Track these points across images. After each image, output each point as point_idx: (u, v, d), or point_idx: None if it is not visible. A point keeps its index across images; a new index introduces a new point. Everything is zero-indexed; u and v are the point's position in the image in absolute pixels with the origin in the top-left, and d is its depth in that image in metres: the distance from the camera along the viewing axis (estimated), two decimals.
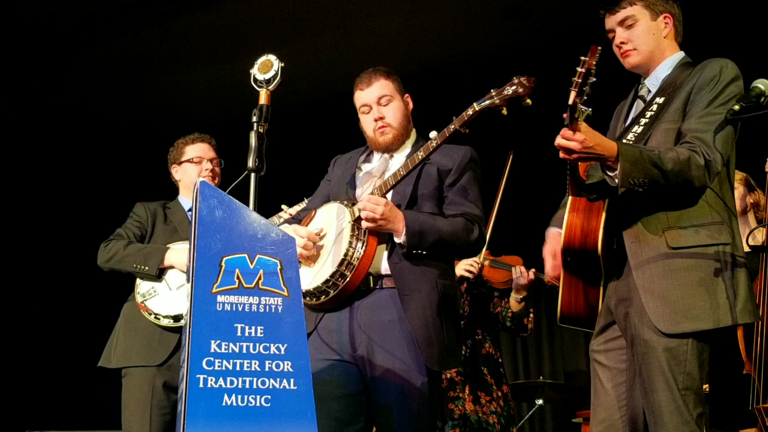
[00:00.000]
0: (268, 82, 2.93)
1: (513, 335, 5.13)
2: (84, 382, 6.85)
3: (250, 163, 2.78)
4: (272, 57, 2.95)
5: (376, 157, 3.50)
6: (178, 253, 4.10)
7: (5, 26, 5.96)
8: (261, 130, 2.84)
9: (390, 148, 3.44)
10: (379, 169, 3.39)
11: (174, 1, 5.88)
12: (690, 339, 2.72)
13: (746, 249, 3.98)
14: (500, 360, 5.01)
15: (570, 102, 2.60)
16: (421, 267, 3.22)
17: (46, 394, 7.42)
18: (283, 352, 2.43)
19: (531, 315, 5.08)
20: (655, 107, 2.95)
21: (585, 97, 2.61)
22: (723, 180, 2.88)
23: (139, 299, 4.10)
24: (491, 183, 4.96)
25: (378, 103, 3.40)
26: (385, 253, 3.24)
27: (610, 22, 3.06)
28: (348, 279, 3.13)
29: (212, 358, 2.37)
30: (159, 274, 4.11)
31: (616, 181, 2.71)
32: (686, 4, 3.12)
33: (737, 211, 4.45)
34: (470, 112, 3.03)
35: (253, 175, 2.78)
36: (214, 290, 2.42)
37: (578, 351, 6.68)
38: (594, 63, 2.59)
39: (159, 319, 4.04)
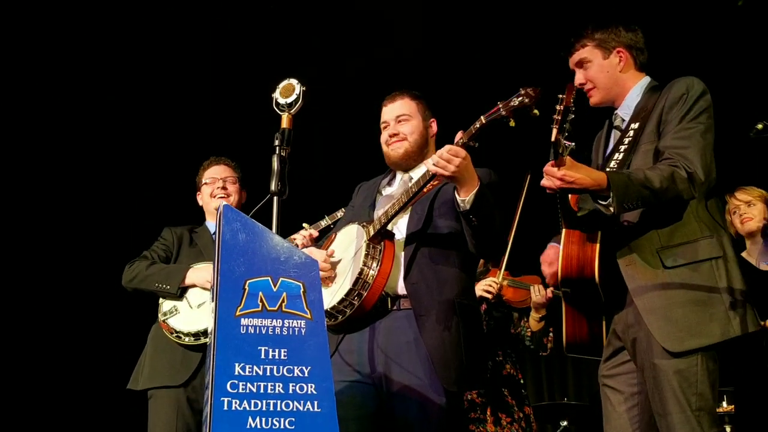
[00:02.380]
0: (290, 106, 2.95)
1: (533, 354, 5.11)
2: (114, 405, 6.87)
3: (273, 187, 2.80)
4: (294, 81, 2.97)
5: (397, 179, 3.52)
6: (198, 272, 4.14)
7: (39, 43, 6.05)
8: (283, 154, 2.85)
9: (402, 165, 3.45)
10: (398, 191, 3.40)
11: None
12: (699, 358, 2.73)
13: None
14: (522, 381, 4.99)
15: (552, 139, 2.66)
16: (439, 287, 3.22)
17: (75, 417, 7.44)
18: (306, 375, 2.43)
19: (551, 334, 5.06)
20: (631, 133, 3.01)
21: (566, 134, 2.67)
22: (708, 191, 2.90)
23: (161, 318, 4.14)
24: (509, 203, 4.96)
25: (396, 120, 3.44)
26: (402, 274, 3.24)
27: (570, 64, 3.18)
28: (364, 297, 3.14)
29: (236, 381, 2.38)
30: (181, 293, 4.14)
31: (611, 209, 2.75)
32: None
33: (756, 228, 4.48)
34: (477, 125, 3.02)
35: (275, 198, 2.79)
36: (237, 313, 2.43)
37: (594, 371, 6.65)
38: (571, 100, 2.66)
39: (180, 337, 4.07)
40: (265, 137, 3.07)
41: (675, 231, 2.84)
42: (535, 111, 2.92)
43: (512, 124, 2.97)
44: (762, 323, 4.09)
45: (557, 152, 2.68)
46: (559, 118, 2.66)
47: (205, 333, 4.02)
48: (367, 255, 3.17)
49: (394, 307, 3.23)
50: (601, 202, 2.80)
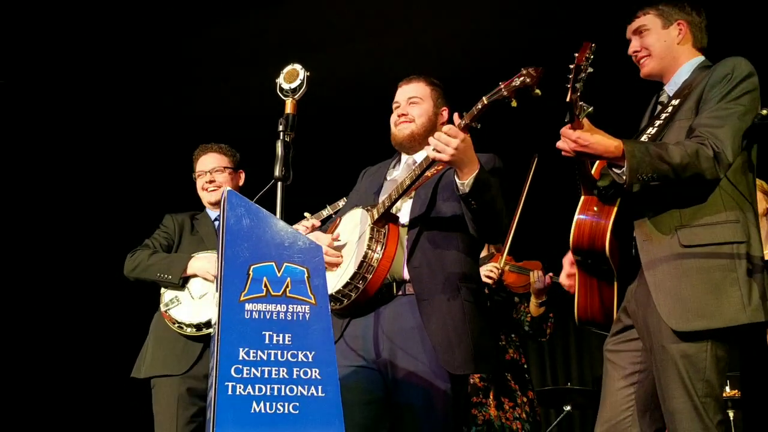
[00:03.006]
0: (293, 91, 2.94)
1: (532, 340, 5.12)
2: (118, 393, 6.90)
3: (277, 172, 2.80)
4: (298, 66, 2.97)
5: (402, 162, 3.52)
6: (200, 261, 4.14)
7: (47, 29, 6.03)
8: (287, 139, 2.85)
9: (406, 147, 3.45)
10: (402, 175, 3.40)
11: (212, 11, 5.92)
12: (708, 344, 2.70)
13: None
14: (525, 366, 5.00)
15: (567, 99, 2.64)
16: (442, 271, 3.22)
17: (80, 405, 7.48)
18: (311, 360, 2.44)
19: (551, 320, 5.06)
20: (670, 108, 2.96)
21: (579, 94, 2.63)
22: (742, 170, 2.85)
23: (162, 308, 4.14)
24: (515, 186, 4.95)
25: (407, 101, 3.45)
26: (406, 258, 3.24)
27: (628, 32, 3.12)
28: (368, 281, 3.14)
29: (241, 366, 2.38)
30: (183, 283, 4.15)
31: (624, 177, 2.71)
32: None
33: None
34: (479, 106, 2.99)
35: (279, 184, 2.79)
36: (242, 298, 2.44)
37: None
38: (584, 58, 2.62)
39: (182, 328, 4.08)
40: (269, 122, 3.07)
41: (698, 211, 2.77)
42: (537, 91, 2.89)
43: (514, 104, 2.93)
44: None
45: (573, 114, 2.65)
46: (572, 77, 2.62)
47: (207, 324, 4.03)
48: (371, 239, 3.17)
49: (399, 293, 3.24)
50: (615, 170, 2.76)
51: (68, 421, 7.16)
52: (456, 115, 3.05)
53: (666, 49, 3.04)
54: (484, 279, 4.80)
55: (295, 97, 2.93)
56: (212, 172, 4.40)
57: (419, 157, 3.42)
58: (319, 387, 2.42)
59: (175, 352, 4.09)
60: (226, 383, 2.35)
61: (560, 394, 6.11)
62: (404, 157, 3.52)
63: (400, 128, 3.44)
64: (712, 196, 2.78)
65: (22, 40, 6.04)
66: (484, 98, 2.99)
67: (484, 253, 5.10)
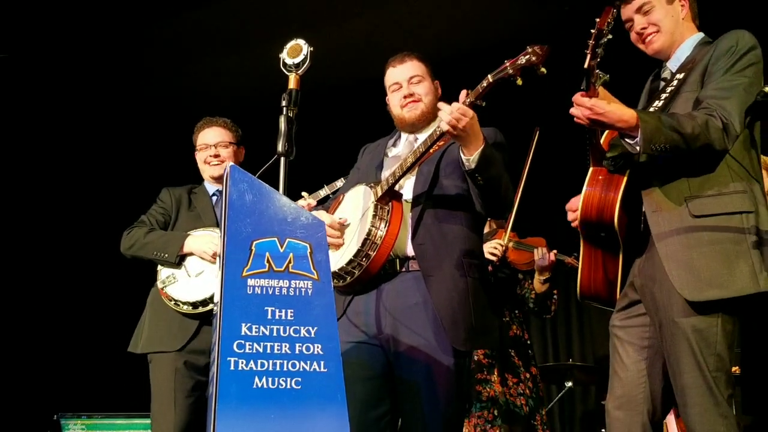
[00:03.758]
0: (297, 66, 2.93)
1: (537, 316, 5.13)
2: (115, 367, 6.93)
3: (280, 148, 2.79)
4: (301, 41, 2.95)
5: (402, 139, 3.50)
6: (197, 240, 4.13)
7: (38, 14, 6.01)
8: (290, 115, 2.84)
9: (416, 126, 3.43)
10: (404, 153, 3.38)
11: None
12: (719, 318, 2.70)
13: None
14: (529, 342, 5.01)
15: (585, 66, 2.62)
16: (446, 247, 3.22)
17: (77, 378, 7.51)
18: (313, 335, 2.45)
19: (555, 297, 5.06)
20: (675, 82, 2.95)
21: (599, 59, 2.61)
22: (745, 146, 2.85)
23: (159, 285, 4.15)
24: (517, 160, 4.93)
25: (409, 81, 3.41)
26: (409, 235, 3.24)
27: (627, 11, 3.07)
28: (372, 258, 3.14)
29: (243, 341, 2.39)
30: (179, 261, 4.15)
31: (638, 148, 2.69)
32: None
33: None
34: (485, 84, 2.98)
35: (282, 159, 2.79)
36: (244, 274, 2.44)
37: (608, 333, 6.66)
38: (606, 23, 2.60)
39: (178, 305, 4.08)
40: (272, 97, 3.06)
41: (707, 181, 2.77)
42: (543, 69, 2.87)
43: (519, 82, 2.93)
44: None
45: (589, 81, 2.63)
46: (593, 42, 2.60)
47: (203, 302, 4.04)
48: (375, 216, 3.16)
49: (403, 269, 3.24)
50: (628, 141, 2.75)
51: (66, 394, 7.18)
52: (463, 93, 3.04)
53: (673, 24, 3.02)
54: (488, 256, 4.80)
55: (299, 72, 2.92)
56: (217, 146, 4.37)
57: (422, 135, 3.40)
58: (322, 362, 2.43)
59: (172, 329, 4.10)
60: (229, 358, 2.36)
61: (562, 371, 6.13)
62: (404, 135, 3.50)
63: (409, 109, 3.40)
64: (719, 167, 2.78)
65: (16, 15, 6.01)
66: (489, 76, 2.98)
67: (486, 230, 5.09)
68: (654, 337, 2.88)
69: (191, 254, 4.13)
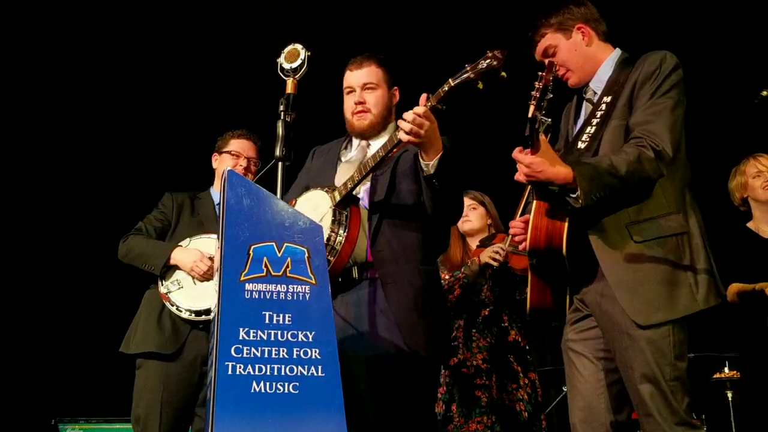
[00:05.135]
0: (294, 71, 2.93)
1: (538, 322, 5.13)
2: (113, 372, 6.93)
3: (278, 152, 2.80)
4: (299, 46, 2.96)
5: (354, 144, 3.49)
6: (185, 252, 4.13)
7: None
8: (288, 119, 2.84)
9: (365, 135, 3.42)
10: (357, 158, 3.37)
11: None
12: (670, 329, 2.75)
13: None
14: (527, 347, 5.00)
15: (530, 115, 2.65)
16: (403, 254, 3.22)
17: (74, 383, 7.49)
18: (311, 340, 2.45)
19: None
20: (604, 106, 2.99)
21: (543, 111, 2.65)
22: (677, 166, 2.90)
23: (163, 290, 4.14)
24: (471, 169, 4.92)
25: (362, 88, 3.40)
26: (368, 242, 3.23)
27: (536, 56, 3.14)
28: (332, 264, 3.09)
29: (241, 346, 2.39)
30: (166, 271, 4.16)
31: (579, 201, 2.73)
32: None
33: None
34: (446, 88, 2.98)
35: (280, 164, 2.79)
36: (242, 278, 2.45)
37: None
38: (551, 78, 2.66)
39: (180, 311, 4.08)
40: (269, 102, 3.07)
41: (643, 206, 2.85)
42: (503, 74, 2.91)
43: (480, 86, 2.95)
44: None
45: (533, 128, 2.67)
46: (538, 95, 2.65)
47: (207, 311, 4.04)
48: (333, 221, 3.14)
49: (363, 277, 3.24)
50: (571, 195, 2.78)
51: (64, 399, 7.17)
52: (423, 96, 3.03)
53: (581, 57, 3.08)
54: (489, 261, 4.79)
55: (296, 76, 2.93)
56: (250, 161, 4.43)
57: (374, 142, 3.40)
58: (319, 367, 2.43)
59: (165, 332, 4.10)
60: (226, 363, 2.36)
61: (560, 375, 6.12)
62: (356, 140, 3.49)
63: (358, 119, 3.39)
64: (654, 191, 2.85)
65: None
66: (450, 80, 2.99)
67: (486, 234, 5.09)
68: (608, 349, 2.92)
69: (177, 267, 4.15)
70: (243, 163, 4.39)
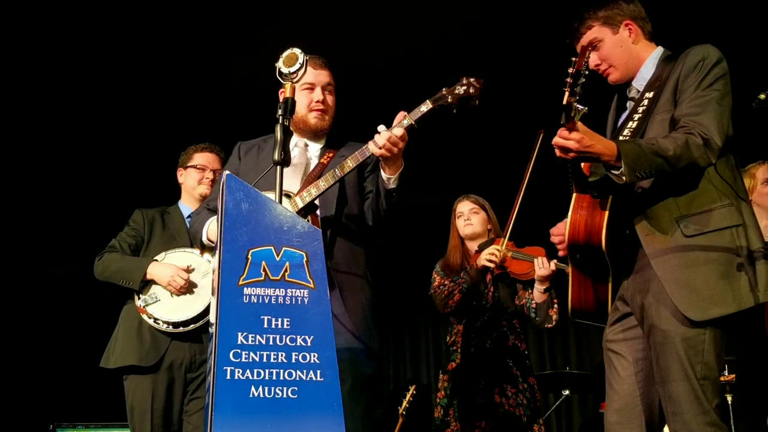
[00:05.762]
0: (292, 75, 2.94)
1: (539, 327, 5.12)
2: (111, 377, 6.93)
3: (276, 156, 2.79)
4: (297, 50, 2.96)
5: (293, 143, 3.49)
6: (160, 267, 4.20)
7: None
8: (286, 123, 2.84)
9: (314, 134, 3.49)
10: (301, 161, 3.44)
11: None
12: (708, 328, 2.73)
13: None
14: (527, 352, 5.00)
15: (564, 102, 2.64)
16: (355, 262, 3.36)
17: (73, 388, 7.49)
18: (309, 344, 2.45)
19: (555, 306, 5.05)
20: (646, 102, 2.99)
21: (577, 97, 2.65)
22: (725, 161, 2.88)
23: (140, 303, 4.20)
24: (519, 164, 4.91)
25: (324, 88, 3.46)
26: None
27: (580, 47, 3.10)
28: None
29: (239, 350, 2.39)
30: (143, 287, 4.22)
31: (623, 178, 2.72)
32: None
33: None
34: (424, 109, 3.11)
35: (278, 168, 2.79)
36: (240, 282, 2.44)
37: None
38: (583, 63, 2.64)
39: (158, 323, 4.13)
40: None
41: (693, 199, 2.81)
42: (476, 102, 3.07)
43: (455, 112, 3.12)
44: None
45: (569, 116, 2.66)
46: (571, 81, 2.63)
47: (184, 323, 4.12)
48: None
49: None
50: (613, 171, 2.78)
51: (62, 404, 7.18)
52: (401, 114, 3.13)
53: (625, 53, 3.08)
54: (486, 263, 4.79)
55: (294, 81, 2.92)
56: (215, 172, 4.52)
57: (313, 144, 3.51)
58: (318, 371, 2.43)
59: (144, 344, 4.16)
60: (225, 368, 2.36)
61: (559, 379, 6.13)
62: (296, 139, 3.52)
63: (316, 116, 3.46)
64: (702, 184, 2.83)
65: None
66: (428, 101, 3.11)
67: (485, 239, 5.09)
68: (647, 348, 2.89)
69: (153, 282, 4.19)
70: (209, 175, 4.51)
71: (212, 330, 2.46)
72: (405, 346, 8.07)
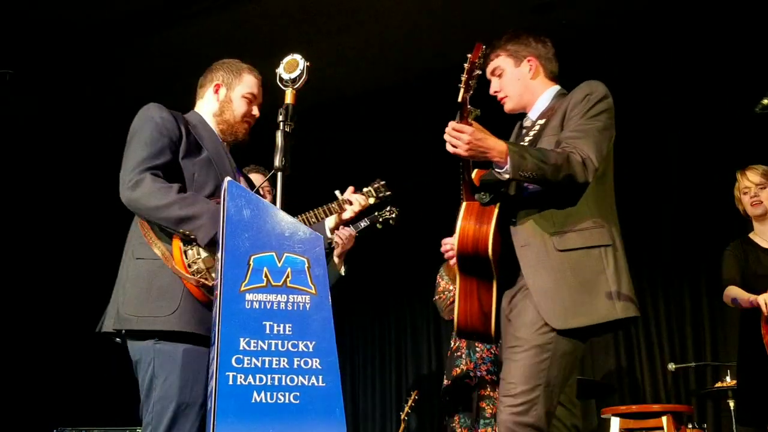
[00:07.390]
0: (293, 81, 2.94)
1: None
2: (114, 380, 6.93)
3: (277, 162, 2.80)
4: (298, 56, 2.97)
5: (212, 136, 3.28)
6: None
7: (33, 29, 6.01)
8: (287, 129, 2.85)
9: (238, 145, 3.33)
10: (221, 154, 3.24)
11: (199, 2, 5.88)
12: (555, 337, 2.83)
13: None
14: None
15: (459, 99, 2.73)
16: None
17: (75, 391, 7.49)
18: (311, 350, 2.45)
19: None
20: (537, 127, 3.12)
21: (471, 92, 2.73)
22: (603, 183, 3.01)
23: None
24: None
25: (258, 104, 3.35)
26: None
27: (487, 73, 3.24)
28: None
29: (241, 356, 2.39)
30: None
31: (507, 175, 2.81)
32: None
33: (765, 212, 4.50)
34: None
35: (279, 174, 2.79)
36: (242, 288, 2.45)
37: (608, 348, 6.66)
38: (476, 59, 2.72)
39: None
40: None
41: (569, 216, 2.93)
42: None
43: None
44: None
45: (462, 115, 2.75)
46: (466, 76, 2.72)
47: None
48: None
49: None
50: (498, 170, 2.87)
51: (64, 407, 7.18)
52: (349, 190, 3.66)
53: (522, 86, 3.20)
54: None
55: (295, 87, 2.93)
56: (263, 189, 4.44)
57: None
58: (320, 377, 2.43)
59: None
60: (227, 373, 2.36)
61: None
62: (219, 140, 3.29)
63: (245, 130, 3.34)
64: (579, 204, 2.94)
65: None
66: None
67: None
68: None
69: None
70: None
71: (214, 336, 2.46)
72: (407, 351, 8.06)
